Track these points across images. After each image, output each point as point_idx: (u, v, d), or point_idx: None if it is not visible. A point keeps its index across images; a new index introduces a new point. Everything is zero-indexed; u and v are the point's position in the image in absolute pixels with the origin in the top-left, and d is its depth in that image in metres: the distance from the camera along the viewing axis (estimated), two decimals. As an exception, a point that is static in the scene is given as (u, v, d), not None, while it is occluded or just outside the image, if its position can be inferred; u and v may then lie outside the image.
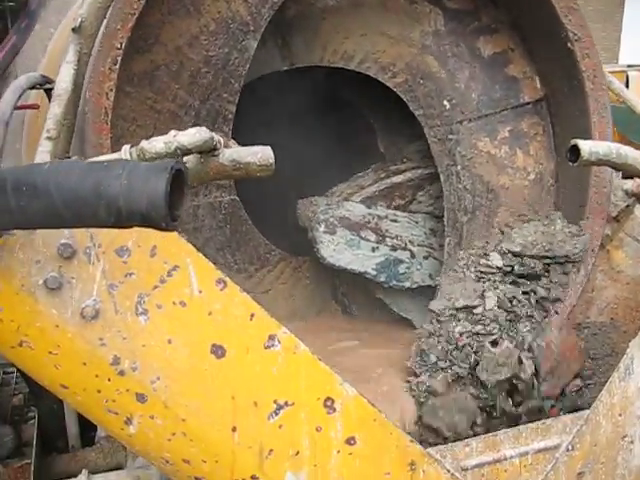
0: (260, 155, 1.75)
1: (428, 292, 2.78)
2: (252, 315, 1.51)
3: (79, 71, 1.95)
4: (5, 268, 1.36)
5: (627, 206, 2.54)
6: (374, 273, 2.83)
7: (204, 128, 1.63)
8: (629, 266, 2.55)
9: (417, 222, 2.97)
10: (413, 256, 2.91)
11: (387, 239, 2.87)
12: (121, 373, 1.45)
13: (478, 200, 2.64)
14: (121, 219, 0.91)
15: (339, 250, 2.76)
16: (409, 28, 2.51)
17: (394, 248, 2.88)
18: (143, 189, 0.88)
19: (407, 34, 2.52)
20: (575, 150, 2.05)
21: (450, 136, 2.62)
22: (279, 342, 1.52)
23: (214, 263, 2.44)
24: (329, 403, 1.57)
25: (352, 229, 2.80)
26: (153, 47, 2.09)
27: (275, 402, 1.54)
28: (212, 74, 2.20)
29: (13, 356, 1.46)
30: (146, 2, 1.88)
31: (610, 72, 7.33)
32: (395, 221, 2.93)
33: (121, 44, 1.87)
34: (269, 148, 1.77)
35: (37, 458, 2.13)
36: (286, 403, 1.54)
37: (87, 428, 2.34)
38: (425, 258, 2.93)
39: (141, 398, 1.46)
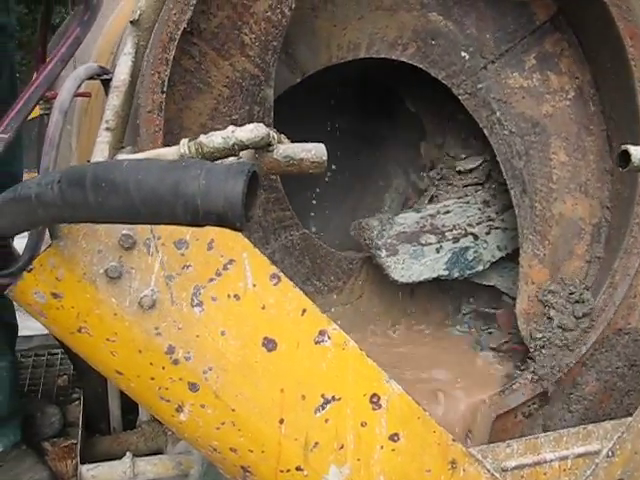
0: (314, 152, 1.77)
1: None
2: (304, 310, 1.54)
3: (137, 63, 1.99)
4: (69, 256, 1.40)
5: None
6: (447, 273, 2.84)
7: (261, 124, 1.64)
8: (673, 273, 2.52)
9: (468, 202, 2.93)
10: (476, 238, 2.90)
11: (446, 233, 2.85)
12: (175, 362, 1.49)
13: (527, 139, 2.56)
14: (197, 218, 0.94)
15: (407, 267, 2.75)
16: None
17: (456, 239, 2.87)
18: (221, 190, 0.91)
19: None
20: (625, 155, 2.03)
21: (479, 85, 2.53)
22: (329, 338, 1.55)
23: (305, 295, 2.57)
24: (375, 399, 1.59)
25: (411, 241, 2.78)
26: (180, 135, 2.04)
27: (322, 396, 1.56)
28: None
29: (72, 341, 1.50)
30: (162, 93, 1.87)
31: None
32: (447, 212, 2.90)
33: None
34: (322, 145, 1.78)
35: (82, 438, 2.19)
36: (333, 398, 1.57)
37: (129, 411, 2.39)
38: (487, 234, 2.91)
39: (193, 387, 1.50)
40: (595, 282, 2.56)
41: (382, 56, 2.46)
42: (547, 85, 2.56)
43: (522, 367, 2.54)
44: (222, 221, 0.94)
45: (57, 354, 2.67)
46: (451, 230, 2.87)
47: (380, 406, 1.60)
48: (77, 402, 2.34)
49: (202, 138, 1.62)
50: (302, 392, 1.55)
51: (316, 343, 1.55)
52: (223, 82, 2.07)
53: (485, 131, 2.55)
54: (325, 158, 1.79)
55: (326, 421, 1.58)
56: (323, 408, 1.57)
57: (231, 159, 1.53)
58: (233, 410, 1.53)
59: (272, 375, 1.54)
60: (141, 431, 2.35)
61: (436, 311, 3.15)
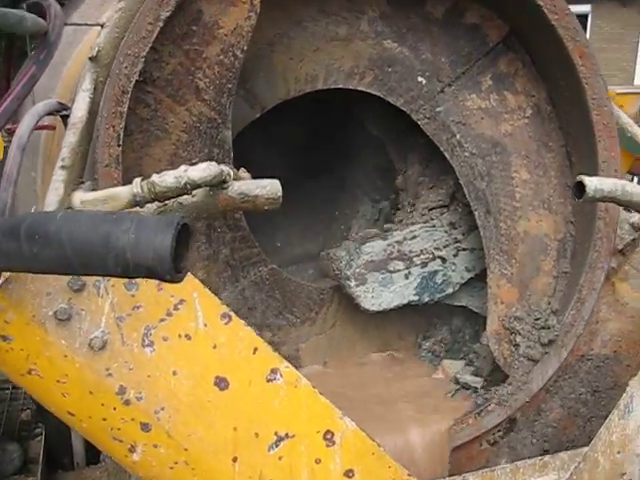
0: (269, 188, 1.79)
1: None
2: (255, 349, 1.54)
3: (95, 99, 2.00)
4: (17, 299, 1.40)
5: (633, 240, 2.55)
6: (417, 298, 2.86)
7: (214, 163, 1.67)
8: (634, 299, 2.56)
9: (434, 226, 2.95)
10: (444, 260, 2.92)
11: (414, 259, 2.87)
12: (126, 402, 1.48)
13: (489, 159, 2.59)
14: (128, 271, 0.95)
15: (377, 295, 2.77)
16: (355, 21, 2.43)
17: (424, 264, 2.88)
18: (150, 243, 0.92)
19: (356, 28, 2.44)
20: (580, 186, 2.07)
21: (438, 109, 2.55)
22: (281, 376, 1.56)
23: (278, 328, 2.56)
24: (329, 436, 1.60)
25: (380, 269, 2.80)
26: None
27: (276, 434, 1.57)
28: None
29: (23, 383, 1.50)
30: (118, 146, 1.89)
31: (624, 94, 7.33)
32: (414, 237, 2.92)
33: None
34: (277, 181, 1.80)
35: (43, 475, 2.17)
36: (287, 435, 1.57)
37: (92, 446, 2.37)
38: (455, 256, 2.94)
39: (145, 427, 1.50)
40: (563, 297, 2.58)
41: (340, 86, 2.48)
42: (504, 105, 2.59)
43: (487, 395, 2.55)
44: (152, 274, 0.95)
45: (21, 388, 2.65)
46: (419, 255, 2.89)
47: (334, 442, 1.60)
48: (39, 437, 2.32)
49: (155, 177, 1.64)
50: (255, 430, 1.56)
51: (268, 381, 1.55)
52: (181, 127, 2.08)
53: (446, 154, 2.58)
54: (280, 194, 1.81)
55: (280, 458, 1.58)
56: (277, 445, 1.57)
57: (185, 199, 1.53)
58: (186, 449, 1.53)
59: (225, 414, 1.54)
60: (104, 466, 2.33)
61: (408, 335, 3.17)
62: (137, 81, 1.89)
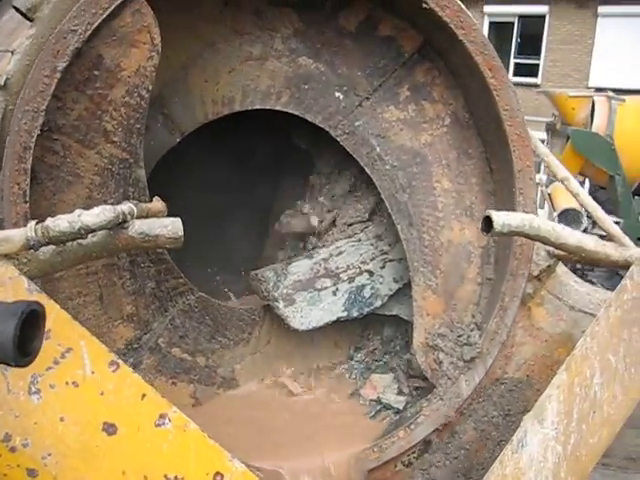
0: (170, 227, 1.80)
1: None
2: (144, 395, 1.57)
3: (4, 126, 1.98)
4: None
5: (549, 266, 2.62)
6: (345, 314, 2.90)
7: (109, 207, 1.67)
8: (548, 324, 2.63)
9: (360, 240, 3.00)
10: (372, 274, 2.96)
11: (341, 275, 2.90)
12: (12, 449, 1.50)
13: (410, 170, 2.60)
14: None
15: (305, 314, 2.80)
16: (269, 40, 2.44)
17: (352, 279, 2.91)
18: (-7, 332, 0.94)
19: (270, 47, 2.45)
20: (488, 221, 2.12)
21: (357, 123, 2.56)
22: (170, 420, 1.58)
23: (212, 352, 2.60)
24: (218, 478, 1.63)
25: (307, 287, 2.83)
26: None
27: (165, 476, 1.59)
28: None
29: None
30: (25, 203, 1.86)
31: (576, 97, 7.44)
32: (340, 253, 2.96)
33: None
34: (179, 220, 1.81)
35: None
36: (176, 478, 1.60)
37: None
38: (382, 268, 2.98)
39: (31, 473, 1.52)
40: (487, 305, 2.63)
41: (257, 107, 2.49)
42: (423, 114, 2.60)
43: (406, 413, 2.62)
44: (-1, 360, 0.97)
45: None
46: (346, 270, 2.92)
47: (224, 484, 1.64)
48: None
49: (49, 222, 1.64)
50: (144, 473, 1.58)
51: (157, 426, 1.58)
52: (92, 171, 2.09)
53: (367, 169, 2.59)
54: (181, 233, 1.82)
55: (170, 500, 1.61)
56: (167, 488, 1.60)
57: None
58: (75, 493, 1.55)
59: (113, 458, 1.56)
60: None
61: (343, 346, 3.21)
62: (42, 130, 1.89)
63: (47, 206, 2.02)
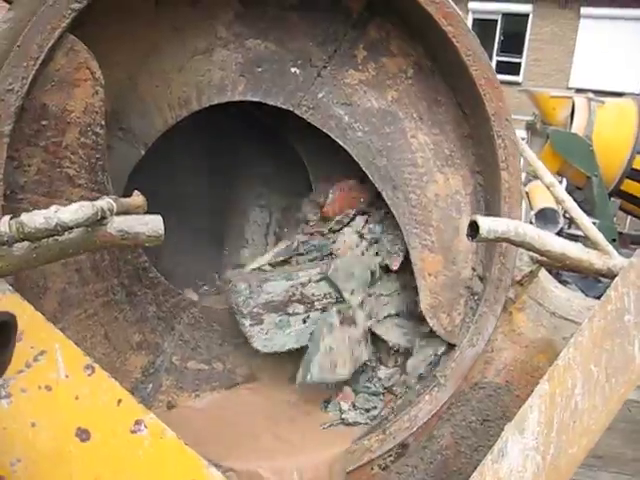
0: (150, 225, 1.74)
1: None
2: (119, 401, 1.52)
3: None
4: None
5: (531, 271, 2.60)
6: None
7: (87, 203, 1.61)
8: (529, 329, 2.62)
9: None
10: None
11: (316, 303, 2.77)
12: (-21, 455, 1.44)
13: (383, 132, 2.49)
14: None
15: (270, 337, 2.67)
16: (211, 29, 2.33)
17: (324, 309, 2.77)
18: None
19: (213, 36, 2.33)
20: (474, 226, 2.09)
21: (319, 95, 2.46)
22: (145, 427, 1.54)
23: (227, 355, 2.66)
24: (195, 486, 1.59)
25: (278, 310, 2.70)
26: None
27: (140, 484, 1.55)
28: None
29: None
30: None
31: (557, 97, 7.46)
32: (320, 280, 2.81)
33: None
34: (159, 218, 1.75)
35: None
36: (151, 486, 1.55)
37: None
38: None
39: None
40: (486, 252, 2.56)
41: (215, 102, 2.37)
42: (385, 71, 2.49)
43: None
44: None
45: None
46: (321, 300, 2.79)
47: (200, 492, 1.59)
48: None
49: (24, 217, 1.57)
50: (118, 480, 1.53)
51: (132, 432, 1.53)
52: (67, 199, 2.00)
53: (339, 141, 2.48)
54: (162, 232, 1.76)
55: (144, 508, 1.56)
56: (141, 495, 1.55)
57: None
58: (45, 500, 1.50)
59: (86, 465, 1.51)
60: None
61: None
62: (5, 195, 1.82)
63: None
